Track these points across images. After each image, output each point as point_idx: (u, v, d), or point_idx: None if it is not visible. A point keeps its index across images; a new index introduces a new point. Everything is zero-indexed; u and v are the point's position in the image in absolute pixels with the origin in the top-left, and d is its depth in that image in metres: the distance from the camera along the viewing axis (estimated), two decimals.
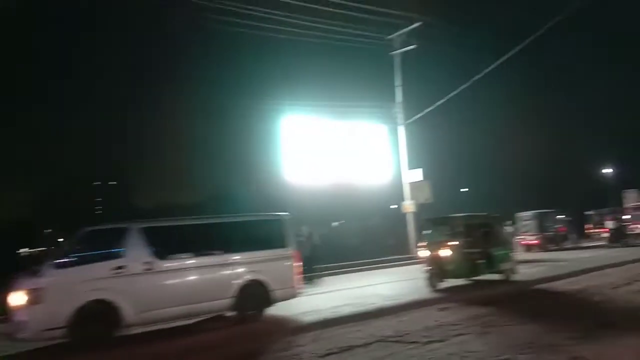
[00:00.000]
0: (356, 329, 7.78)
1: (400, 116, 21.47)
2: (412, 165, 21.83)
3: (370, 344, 6.81)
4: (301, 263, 9.76)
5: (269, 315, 8.94)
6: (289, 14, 16.83)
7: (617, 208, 32.47)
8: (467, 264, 11.25)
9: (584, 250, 21.48)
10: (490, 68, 17.95)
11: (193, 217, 9.15)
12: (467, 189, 40.71)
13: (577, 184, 40.94)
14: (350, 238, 26.92)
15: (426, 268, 11.53)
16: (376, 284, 13.19)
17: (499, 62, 17.59)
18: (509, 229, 20.27)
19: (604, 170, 42.99)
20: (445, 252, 11.17)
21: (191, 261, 8.22)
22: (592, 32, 56.50)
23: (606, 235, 24.08)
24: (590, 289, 10.29)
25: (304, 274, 15.29)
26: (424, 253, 11.87)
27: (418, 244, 12.37)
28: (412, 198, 21.52)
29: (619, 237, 23.06)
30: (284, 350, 6.84)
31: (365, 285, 13.06)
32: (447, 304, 9.46)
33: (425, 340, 6.70)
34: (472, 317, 8.08)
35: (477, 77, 18.43)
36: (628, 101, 47.92)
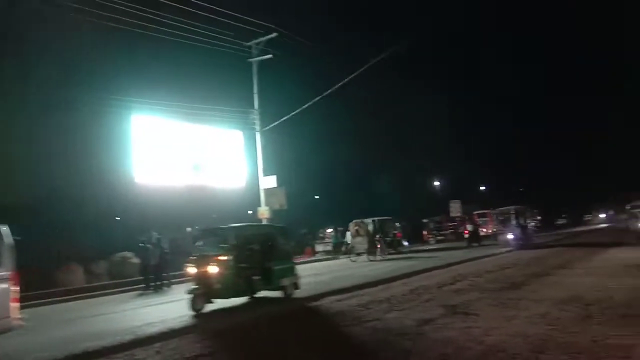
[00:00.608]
0: (203, 338, 7.62)
1: (257, 123, 21.67)
2: (270, 172, 22.17)
3: (217, 352, 6.72)
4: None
5: None
6: (143, 7, 15.94)
7: (444, 216, 37.54)
8: (240, 281, 9.85)
9: (438, 251, 24.48)
10: (337, 86, 19.34)
11: None
12: (318, 197, 42.58)
13: (415, 194, 45.60)
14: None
15: (191, 287, 9.76)
16: None
17: (345, 80, 19.02)
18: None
19: (435, 183, 48.64)
20: (212, 269, 9.56)
21: None
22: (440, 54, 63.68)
23: (466, 236, 28.27)
24: (420, 289, 11.53)
25: (152, 282, 14.65)
26: (191, 269, 10.11)
27: (188, 259, 10.50)
28: (267, 204, 21.82)
29: (475, 238, 27.33)
30: None
31: None
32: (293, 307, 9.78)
33: (272, 344, 6.84)
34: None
35: (326, 93, 19.69)
36: (450, 122, 54.69)
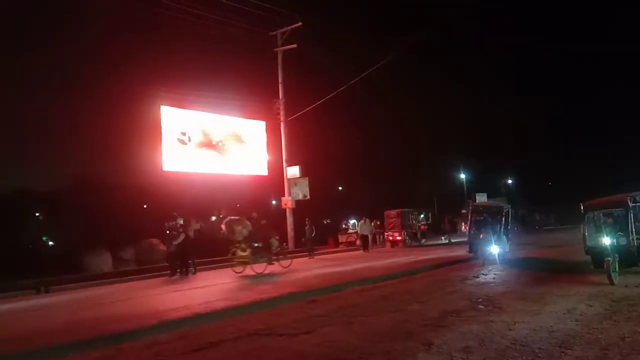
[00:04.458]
0: (228, 324, 7.74)
1: (282, 113, 21.72)
2: (294, 162, 22.26)
3: (241, 338, 6.82)
4: None
5: None
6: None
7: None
8: None
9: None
10: (360, 77, 19.28)
11: None
12: (341, 188, 42.55)
13: (437, 186, 45.15)
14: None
15: None
16: (253, 278, 13.23)
17: (369, 71, 18.92)
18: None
19: (462, 176, 47.96)
20: None
21: None
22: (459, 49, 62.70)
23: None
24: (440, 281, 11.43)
25: (177, 268, 14.95)
26: None
27: None
28: (291, 194, 21.93)
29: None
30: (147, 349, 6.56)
31: (242, 280, 13.04)
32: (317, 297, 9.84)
33: (294, 332, 6.90)
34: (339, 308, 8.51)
35: (342, 88, 19.63)
36: (479, 117, 53.76)
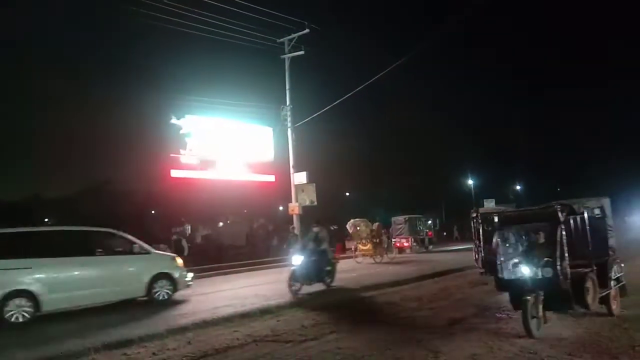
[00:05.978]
0: (234, 330, 7.73)
1: (289, 119, 21.76)
2: (300, 168, 22.27)
3: (247, 344, 6.82)
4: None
5: None
6: (176, 5, 16.31)
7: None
8: None
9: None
10: (366, 84, 19.18)
11: None
12: (348, 194, 42.45)
13: (445, 193, 44.94)
14: (235, 238, 26.63)
15: None
16: (259, 285, 13.22)
17: (374, 78, 18.82)
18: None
19: (469, 182, 47.73)
20: None
21: None
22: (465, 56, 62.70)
23: None
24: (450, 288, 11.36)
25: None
26: None
27: None
28: (298, 200, 21.93)
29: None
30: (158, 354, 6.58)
31: (248, 286, 13.04)
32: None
33: (301, 339, 6.89)
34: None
35: (350, 93, 19.61)
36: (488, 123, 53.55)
